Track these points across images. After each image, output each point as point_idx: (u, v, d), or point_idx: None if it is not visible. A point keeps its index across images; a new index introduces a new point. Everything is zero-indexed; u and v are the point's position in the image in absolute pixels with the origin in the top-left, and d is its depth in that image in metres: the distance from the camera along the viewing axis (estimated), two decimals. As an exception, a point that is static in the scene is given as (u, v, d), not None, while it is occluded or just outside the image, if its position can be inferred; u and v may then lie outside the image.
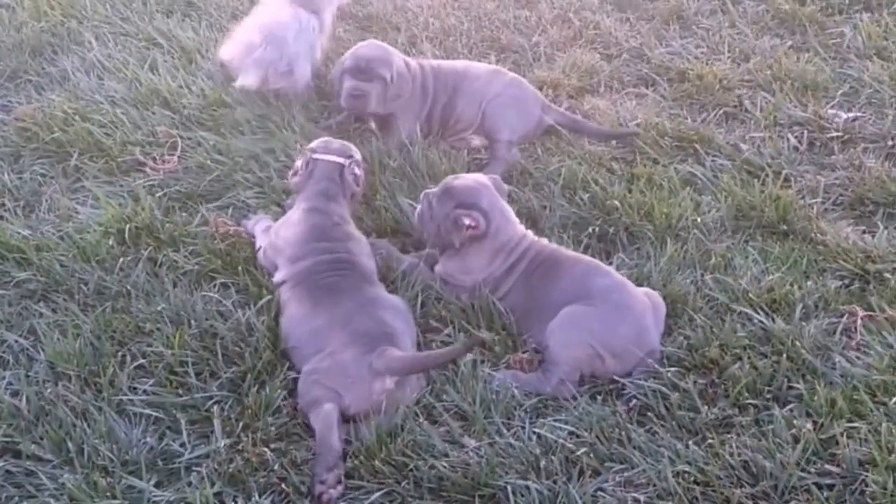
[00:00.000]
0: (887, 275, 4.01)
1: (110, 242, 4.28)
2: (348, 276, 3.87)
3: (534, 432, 3.42)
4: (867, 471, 3.18)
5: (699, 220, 4.33)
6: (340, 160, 4.20)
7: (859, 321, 3.81)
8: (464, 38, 5.95)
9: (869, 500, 3.14)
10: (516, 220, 4.04)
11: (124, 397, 3.56)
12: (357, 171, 4.23)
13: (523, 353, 3.77)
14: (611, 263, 4.09)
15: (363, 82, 4.87)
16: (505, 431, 3.43)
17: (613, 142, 4.98)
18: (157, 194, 4.65)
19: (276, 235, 4.11)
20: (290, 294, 3.86)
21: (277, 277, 3.98)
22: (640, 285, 3.90)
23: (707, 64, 5.59)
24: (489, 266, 3.93)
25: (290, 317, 3.80)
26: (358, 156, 4.30)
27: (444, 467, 3.27)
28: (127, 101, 5.36)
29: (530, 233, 4.03)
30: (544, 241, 4.03)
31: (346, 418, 3.45)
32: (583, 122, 5.10)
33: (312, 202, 4.12)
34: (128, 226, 4.34)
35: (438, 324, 3.88)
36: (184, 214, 4.53)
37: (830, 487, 3.18)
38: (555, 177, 4.65)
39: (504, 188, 4.15)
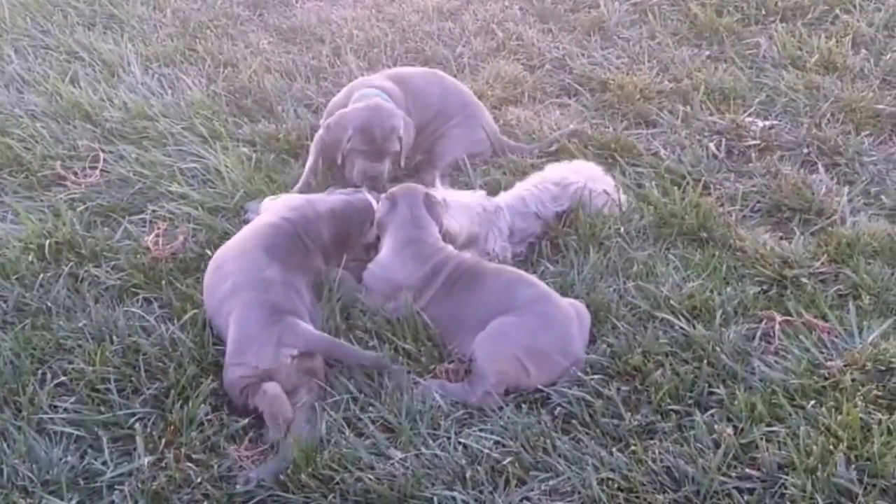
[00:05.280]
0: (804, 279, 4.09)
1: (30, 258, 4.22)
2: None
3: (459, 442, 3.42)
4: (786, 474, 3.23)
5: (621, 228, 4.37)
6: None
7: (777, 326, 3.87)
8: (388, 50, 5.98)
9: (788, 503, 3.20)
10: (436, 232, 4.06)
11: (45, 416, 3.50)
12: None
13: (449, 363, 3.77)
14: (535, 272, 4.13)
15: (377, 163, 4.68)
16: (431, 442, 3.43)
17: (536, 151, 5.01)
18: (79, 209, 4.59)
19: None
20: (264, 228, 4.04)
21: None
22: (564, 294, 3.93)
23: (628, 74, 5.67)
24: (408, 271, 3.94)
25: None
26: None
27: (371, 480, 3.26)
28: (47, 114, 5.30)
29: (450, 247, 4.05)
30: (466, 254, 4.04)
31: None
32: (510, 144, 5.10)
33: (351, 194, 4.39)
34: (48, 241, 4.28)
35: (364, 334, 3.86)
36: (106, 229, 4.48)
37: (751, 491, 3.23)
38: (478, 188, 4.67)
39: (436, 203, 4.15)
